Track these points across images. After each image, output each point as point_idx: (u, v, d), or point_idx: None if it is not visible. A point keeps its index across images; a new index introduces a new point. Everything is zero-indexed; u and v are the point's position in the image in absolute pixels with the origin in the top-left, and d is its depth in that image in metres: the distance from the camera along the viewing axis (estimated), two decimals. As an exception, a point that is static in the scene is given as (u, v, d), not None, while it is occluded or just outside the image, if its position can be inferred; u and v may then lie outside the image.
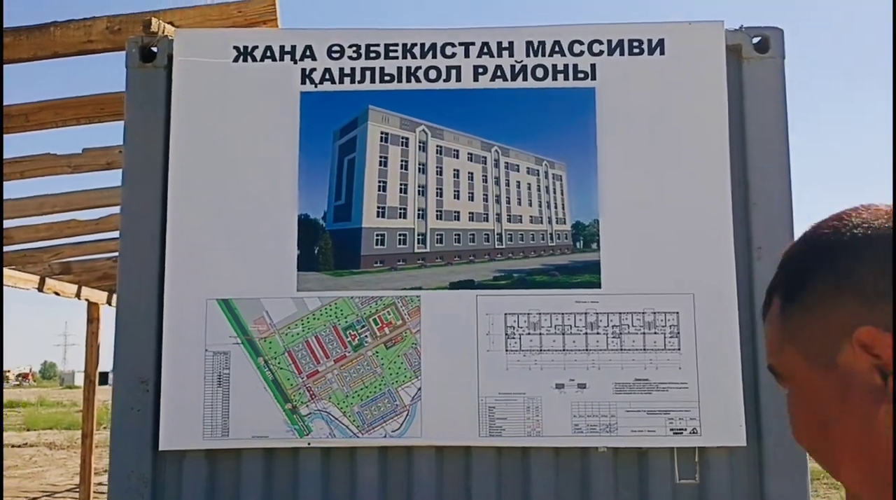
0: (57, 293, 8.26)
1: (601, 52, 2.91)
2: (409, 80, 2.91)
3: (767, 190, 2.84)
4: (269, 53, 2.93)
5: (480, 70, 2.92)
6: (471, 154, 2.91)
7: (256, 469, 2.81)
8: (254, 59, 2.93)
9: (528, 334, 2.79)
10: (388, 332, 2.81)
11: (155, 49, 2.99)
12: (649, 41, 2.91)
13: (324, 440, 2.74)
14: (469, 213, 2.89)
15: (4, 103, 3.76)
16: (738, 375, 2.71)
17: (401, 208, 2.88)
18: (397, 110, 2.91)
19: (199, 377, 2.79)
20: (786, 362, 0.82)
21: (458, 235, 2.88)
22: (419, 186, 2.90)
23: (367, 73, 2.92)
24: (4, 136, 3.92)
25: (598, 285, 2.80)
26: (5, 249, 6.81)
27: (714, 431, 2.70)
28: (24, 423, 26.13)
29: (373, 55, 2.93)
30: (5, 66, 3.24)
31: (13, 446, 19.34)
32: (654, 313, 2.76)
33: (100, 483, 9.91)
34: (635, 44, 2.91)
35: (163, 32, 3.11)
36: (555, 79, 2.91)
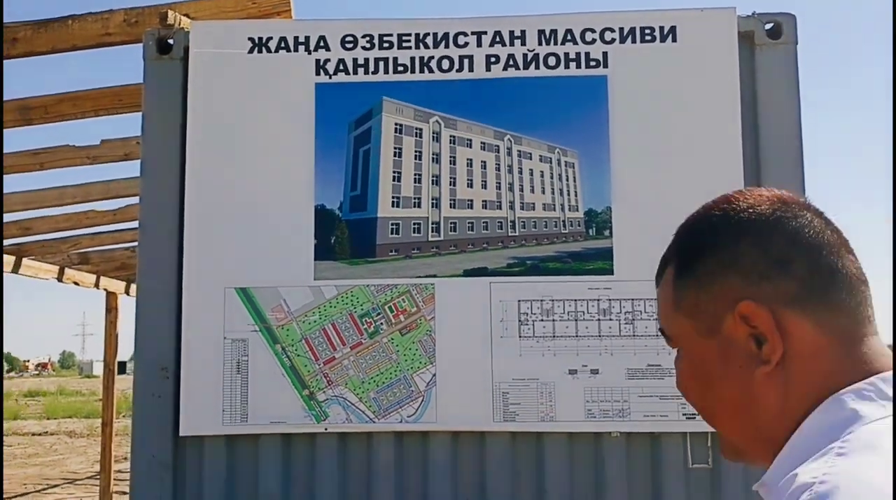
0: (76, 283, 8.36)
1: (613, 40, 2.93)
2: (422, 71, 2.94)
3: (779, 176, 2.84)
4: (283, 44, 2.97)
5: (493, 59, 2.94)
6: (484, 143, 2.94)
7: (274, 454, 2.86)
8: (268, 51, 2.97)
9: (542, 320, 2.82)
10: (404, 319, 2.85)
11: (171, 41, 3.03)
12: (661, 28, 2.92)
13: (340, 426, 2.79)
14: (482, 201, 2.92)
15: (25, 96, 3.83)
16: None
17: (415, 198, 2.92)
18: (411, 101, 2.94)
19: (218, 364, 2.84)
20: (676, 327, 0.93)
21: (472, 223, 2.91)
22: (433, 176, 2.93)
23: (381, 64, 2.95)
24: (26, 128, 3.99)
25: (611, 272, 2.82)
26: (25, 239, 6.90)
27: (726, 416, 2.72)
28: (45, 412, 26.47)
29: (386, 45, 2.96)
30: (25, 60, 3.29)
31: (34, 434, 19.61)
32: (667, 299, 2.78)
33: (119, 471, 10.06)
34: (647, 31, 2.92)
35: (179, 24, 3.15)
36: (567, 67, 2.93)
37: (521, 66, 2.94)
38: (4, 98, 4.01)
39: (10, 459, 14.10)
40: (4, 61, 3.23)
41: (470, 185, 2.93)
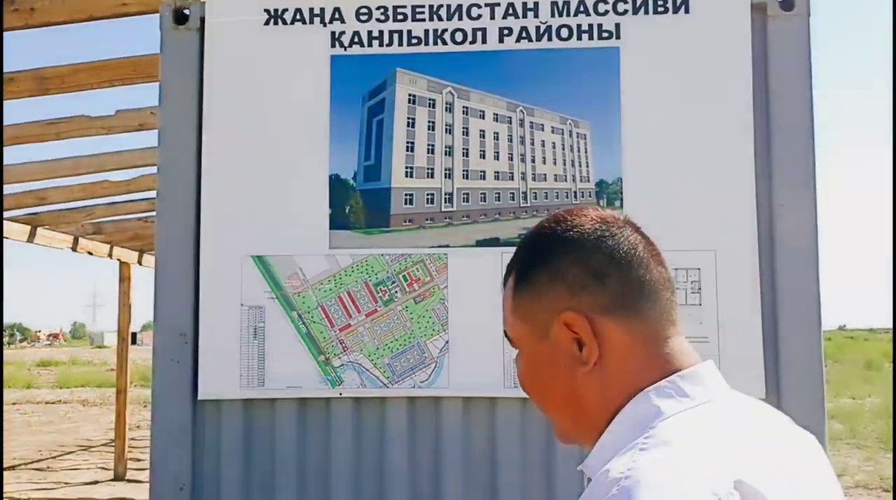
0: (90, 253, 8.44)
1: (626, 12, 2.94)
2: (435, 43, 2.97)
3: (790, 148, 2.87)
4: (299, 16, 3.00)
5: (506, 31, 2.96)
6: (496, 114, 2.97)
7: (290, 418, 2.93)
8: (284, 22, 3.00)
9: (553, 289, 2.87)
10: (417, 288, 2.90)
11: (188, 12, 3.06)
12: (674, 0, 2.93)
13: (355, 391, 2.86)
14: (494, 172, 2.96)
15: (42, 66, 3.87)
16: (757, 329, 2.78)
17: (428, 169, 2.96)
18: (424, 72, 2.97)
19: (236, 330, 2.91)
20: (514, 330, 1.04)
21: (484, 194, 2.95)
22: (446, 147, 2.97)
23: (395, 36, 2.98)
24: (43, 97, 4.04)
25: (622, 243, 2.86)
26: (40, 209, 6.98)
27: (733, 383, 2.75)
28: (58, 381, 26.84)
29: (400, 17, 2.99)
30: (44, 30, 3.33)
31: (47, 402, 19.91)
32: (676, 269, 2.82)
33: (133, 438, 10.23)
34: (660, 2, 2.94)
35: (195, -4, 3.18)
36: (579, 39, 2.95)
37: (533, 38, 2.96)
38: (22, 68, 4.06)
39: (25, 426, 14.34)
40: (23, 30, 3.27)
41: (482, 156, 2.97)
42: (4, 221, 6.92)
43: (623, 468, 0.83)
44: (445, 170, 2.95)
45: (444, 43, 2.97)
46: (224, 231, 2.95)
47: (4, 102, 4.33)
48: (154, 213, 7.60)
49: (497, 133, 2.96)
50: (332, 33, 2.98)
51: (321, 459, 2.93)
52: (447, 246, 2.92)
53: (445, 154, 2.96)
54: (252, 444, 2.95)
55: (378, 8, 2.99)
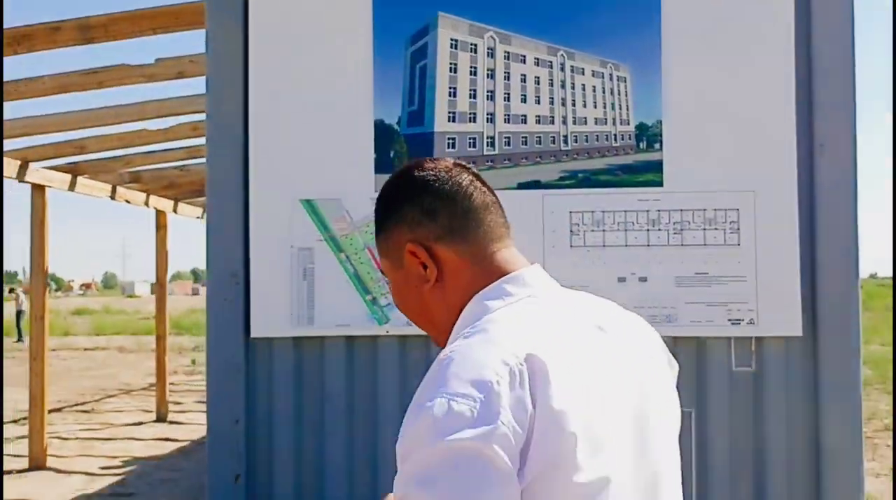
0: (127, 201, 8.60)
1: (667, -46, 2.94)
2: (479, -14, 2.99)
3: (831, 89, 2.89)
4: (342, -38, 3.03)
5: (548, -26, 2.98)
6: (537, 59, 3.01)
7: (339, 355, 3.05)
8: (327, -32, 3.03)
9: (592, 231, 2.94)
10: (460, 229, 2.98)
11: (232, -40, 3.10)
12: (716, -59, 2.93)
13: (401, 328, 2.97)
14: (536, 116, 3.01)
15: (88, 14, 3.94)
16: (795, 268, 2.84)
17: (470, 113, 3.01)
18: (466, 17, 3.00)
19: (286, 271, 3.02)
20: (383, 265, 1.28)
21: (525, 137, 3.01)
22: (488, 91, 3.01)
23: (438, -20, 3.00)
24: (86, 46, 4.12)
25: (661, 184, 2.92)
26: (80, 158, 7.10)
27: (771, 321, 2.85)
28: (93, 329, 27.46)
29: (442, -39, 3.01)
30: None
31: (85, 349, 20.43)
32: (716, 210, 2.88)
33: (172, 383, 10.53)
34: (702, -56, 2.93)
35: (238, -57, 3.21)
36: (621, -18, 2.96)
37: (574, -20, 2.97)
38: (66, 17, 4.14)
39: (66, 372, 14.76)
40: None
41: (524, 100, 3.01)
42: (47, 170, 7.08)
43: (448, 351, 1.05)
44: (487, 114, 3.01)
45: (486, -13, 2.99)
46: (273, 176, 3.04)
47: (49, 51, 4.42)
48: (189, 162, 7.72)
49: (538, 77, 3.00)
50: (375, -22, 3.02)
51: (368, 394, 3.05)
52: (489, 189, 2.98)
53: (487, 99, 3.01)
54: (302, 380, 3.08)
55: (419, -47, 3.01)
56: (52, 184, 7.18)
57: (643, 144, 2.96)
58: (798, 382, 2.89)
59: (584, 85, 3.00)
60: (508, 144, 3.01)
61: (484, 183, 1.25)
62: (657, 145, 2.94)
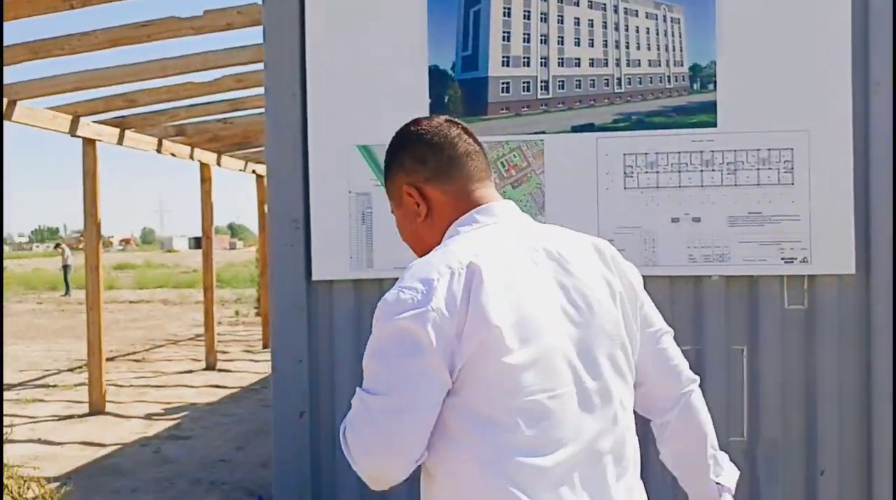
0: (173, 155, 8.74)
1: None
2: (533, -71, 3.00)
3: (886, 28, 2.87)
4: None
5: (601, -85, 2.97)
6: (591, 1, 3.02)
7: (398, 297, 3.14)
8: (380, -86, 3.05)
9: (646, 172, 2.98)
10: (515, 173, 3.04)
11: None
12: None
13: (458, 271, 3.04)
14: (589, 59, 3.03)
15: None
16: (849, 206, 2.86)
17: (524, 57, 3.04)
18: (519, -40, 3.01)
19: (345, 216, 3.11)
20: (391, 206, 1.53)
21: (579, 80, 3.04)
22: (541, 35, 3.04)
23: (493, -76, 3.01)
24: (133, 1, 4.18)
25: (714, 125, 2.94)
26: (127, 112, 7.23)
27: (824, 259, 2.88)
28: (136, 283, 28.04)
29: None
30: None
31: (130, 302, 20.93)
32: (770, 149, 2.90)
33: (218, 333, 10.79)
34: None
35: None
36: (675, -79, 2.95)
37: (628, -79, 2.97)
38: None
39: (114, 323, 15.14)
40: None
41: (577, 43, 3.04)
42: (96, 124, 7.22)
43: (415, 260, 1.34)
44: (541, 58, 3.04)
45: (538, -70, 3.00)
46: (330, 123, 3.11)
47: (101, 6, 4.50)
48: (232, 114, 7.80)
49: (591, 20, 3.02)
50: (429, -76, 3.03)
51: (426, 334, 3.15)
52: (543, 132, 3.03)
53: (541, 42, 3.03)
54: (362, 321, 3.19)
55: None
56: (102, 138, 7.33)
57: (697, 86, 2.98)
58: (850, 319, 2.94)
59: (637, 27, 3.01)
60: (562, 88, 3.04)
61: (471, 135, 1.50)
62: (711, 86, 2.96)
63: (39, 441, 6.32)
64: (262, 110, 7.49)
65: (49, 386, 8.85)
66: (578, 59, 3.03)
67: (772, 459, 3.01)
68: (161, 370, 9.87)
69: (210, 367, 9.68)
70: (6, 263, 45.21)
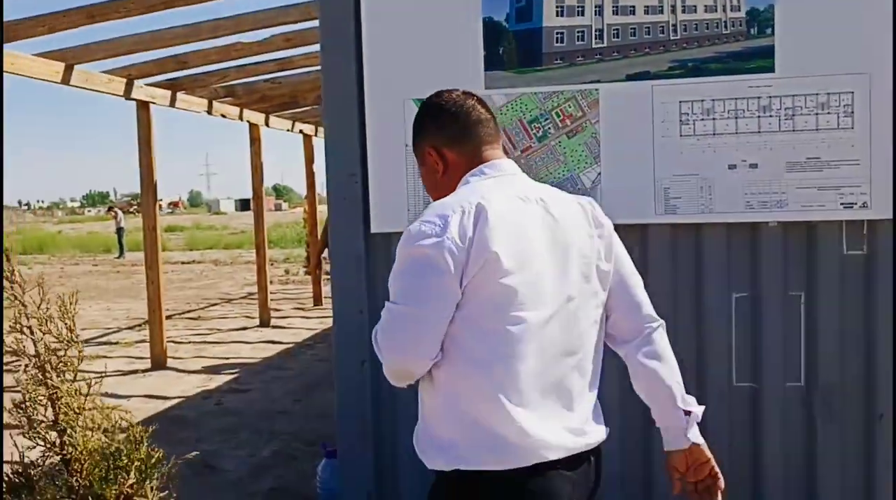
0: (223, 115, 8.87)
1: None
2: None
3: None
4: None
5: None
6: (645, -53, 2.99)
7: (454, 248, 3.20)
8: None
9: (702, 119, 2.97)
10: (570, 123, 3.06)
11: None
12: None
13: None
14: (644, 6, 3.01)
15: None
16: (911, 150, 2.83)
17: (578, 6, 3.04)
18: None
19: (401, 169, 3.17)
20: (418, 164, 1.86)
21: (634, 28, 3.02)
22: (595, -17, 3.02)
23: None
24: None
25: (772, 70, 2.91)
26: (178, 74, 7.34)
27: (884, 204, 2.86)
28: (186, 244, 28.63)
29: None
30: None
31: (182, 263, 21.39)
32: (829, 94, 2.87)
33: (271, 292, 11.02)
34: None
35: None
36: None
37: None
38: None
39: (168, 284, 15.52)
40: None
41: (631, -10, 3.01)
42: (149, 87, 7.36)
43: (433, 203, 1.66)
44: (595, 7, 3.03)
45: None
46: (386, 77, 3.15)
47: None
48: (280, 74, 7.87)
49: (646, -34, 2.99)
50: None
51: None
52: (598, 82, 3.03)
53: (595, -10, 3.02)
54: (420, 272, 3.25)
55: None
56: (155, 100, 7.47)
57: (754, 30, 2.94)
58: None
59: (692, -28, 2.98)
60: (617, 36, 3.03)
61: (483, 105, 1.82)
62: (769, 31, 2.92)
63: (106, 395, 6.58)
64: (310, 70, 7.60)
65: (111, 343, 9.18)
66: (633, 6, 3.02)
67: (829, 405, 3.03)
68: (217, 327, 10.15)
69: (264, 324, 9.93)
70: (62, 226, 46.44)
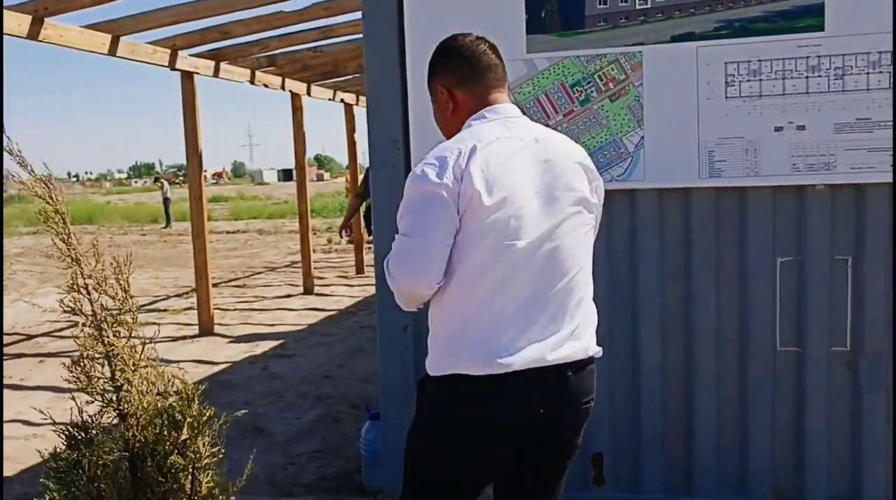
0: (266, 85, 8.93)
1: None
2: None
3: None
4: None
5: None
6: None
7: (496, 213, 3.21)
8: None
9: (748, 81, 2.93)
10: (613, 86, 3.03)
11: None
12: None
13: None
14: (689, -35, 2.96)
15: None
16: (965, 109, 2.75)
17: (621, -34, 3.00)
18: None
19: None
20: (431, 100, 2.01)
21: (678, -12, 2.98)
22: (639, -58, 2.98)
23: None
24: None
25: (822, 29, 2.85)
26: (221, 44, 7.39)
27: (936, 165, 2.80)
28: (231, 214, 28.99)
29: None
30: None
31: (227, 232, 21.70)
32: (880, 52, 2.80)
33: (314, 260, 11.14)
34: None
35: None
36: None
37: None
38: None
39: (214, 253, 15.74)
40: None
41: (676, -51, 2.96)
42: (193, 57, 7.43)
43: (437, 146, 1.83)
44: (639, -33, 2.98)
45: None
46: (428, 41, 3.12)
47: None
48: (321, 42, 7.88)
49: (691, -76, 2.94)
50: None
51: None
52: (642, 44, 3.00)
53: (639, -50, 2.98)
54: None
55: None
56: (199, 70, 7.54)
57: (802, -11, 2.88)
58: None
59: (739, -70, 2.92)
60: (661, -3, 2.99)
61: (495, 51, 1.95)
62: (818, -11, 2.86)
63: (157, 360, 6.75)
64: (351, 38, 7.61)
65: (160, 310, 9.39)
66: (678, -34, 2.97)
67: (875, 370, 3.00)
68: (262, 295, 10.31)
69: (308, 291, 10.05)
70: (110, 197, 47.34)
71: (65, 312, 1.79)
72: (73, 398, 1.85)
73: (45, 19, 5.55)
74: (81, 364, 1.79)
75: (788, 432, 3.08)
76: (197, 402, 2.04)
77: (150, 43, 6.90)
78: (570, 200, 1.84)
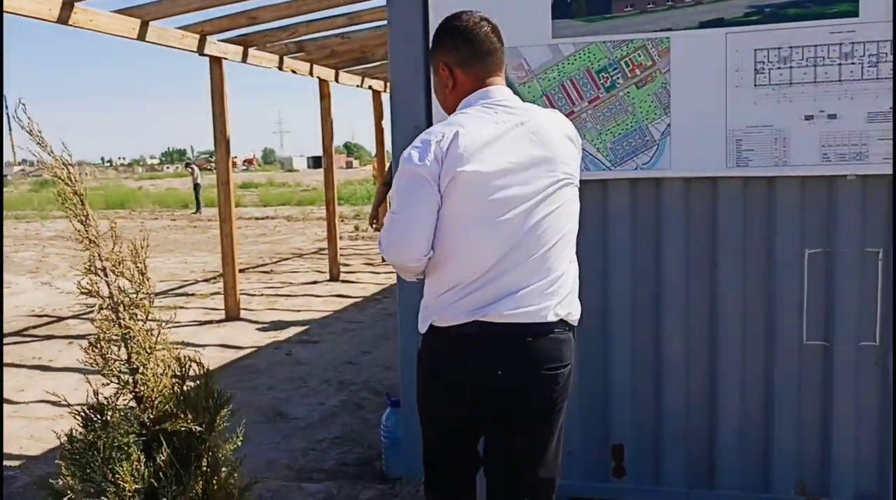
0: (294, 71, 8.93)
1: None
2: None
3: None
4: None
5: None
6: None
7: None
8: None
9: (778, 68, 2.86)
10: (639, 73, 2.98)
11: None
12: None
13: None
14: (719, -51, 2.89)
15: None
16: None
17: (650, -50, 2.94)
18: None
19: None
20: (432, 73, 2.11)
21: (708, -27, 2.91)
22: (668, -74, 2.91)
23: None
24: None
25: (856, 14, 2.77)
26: (249, 30, 7.40)
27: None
28: (260, 200, 29.19)
29: None
30: None
31: (256, 218, 21.84)
32: (915, 39, 2.72)
33: (341, 247, 11.17)
34: None
35: None
36: None
37: None
38: None
39: (243, 239, 15.88)
40: None
41: (706, -67, 2.90)
42: (222, 43, 7.45)
43: (426, 129, 1.98)
44: (668, -50, 2.92)
45: None
46: (451, 27, 3.11)
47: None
48: (349, 29, 7.86)
49: None
50: None
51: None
52: (669, 30, 2.94)
53: (668, -66, 2.91)
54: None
55: None
56: (228, 56, 7.57)
57: (836, -27, 2.80)
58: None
59: (772, -88, 2.84)
60: (690, -18, 2.92)
61: (497, 34, 2.05)
62: (852, -27, 2.78)
63: (183, 344, 6.81)
64: (379, 24, 7.58)
65: (188, 295, 9.47)
66: (708, -50, 2.90)
67: (905, 365, 2.93)
68: (288, 281, 10.37)
69: (334, 278, 10.09)
70: (142, 182, 47.86)
71: (82, 294, 1.79)
72: (88, 380, 1.86)
73: (75, 4, 5.59)
74: (98, 346, 1.80)
75: (815, 427, 3.02)
76: (214, 385, 2.04)
77: (178, 28, 6.93)
78: (556, 174, 1.97)
